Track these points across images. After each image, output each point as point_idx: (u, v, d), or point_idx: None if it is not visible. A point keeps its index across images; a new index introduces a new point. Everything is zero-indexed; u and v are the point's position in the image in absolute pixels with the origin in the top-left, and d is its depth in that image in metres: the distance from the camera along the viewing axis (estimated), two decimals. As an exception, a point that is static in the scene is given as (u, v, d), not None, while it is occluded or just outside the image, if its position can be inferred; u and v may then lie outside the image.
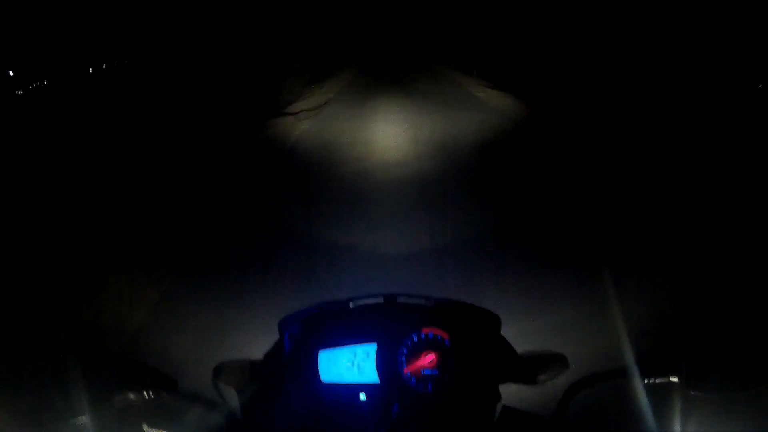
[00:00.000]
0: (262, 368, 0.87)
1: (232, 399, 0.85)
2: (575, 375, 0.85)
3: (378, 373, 0.82)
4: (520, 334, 0.93)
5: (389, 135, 7.25)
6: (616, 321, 1.92)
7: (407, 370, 0.82)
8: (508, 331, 0.89)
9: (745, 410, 0.79)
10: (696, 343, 0.83)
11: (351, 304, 0.87)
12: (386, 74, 16.49)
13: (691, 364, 0.81)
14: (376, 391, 0.82)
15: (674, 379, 0.81)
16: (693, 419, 0.85)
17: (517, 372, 0.86)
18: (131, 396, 0.79)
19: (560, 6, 12.88)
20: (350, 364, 0.83)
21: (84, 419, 0.76)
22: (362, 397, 0.81)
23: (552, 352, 0.91)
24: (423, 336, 0.84)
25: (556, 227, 3.70)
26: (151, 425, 0.81)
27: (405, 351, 0.83)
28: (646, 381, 0.83)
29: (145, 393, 0.79)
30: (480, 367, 0.83)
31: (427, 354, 0.82)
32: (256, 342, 0.93)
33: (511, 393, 0.87)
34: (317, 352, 0.83)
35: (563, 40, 12.02)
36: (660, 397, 0.82)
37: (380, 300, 0.88)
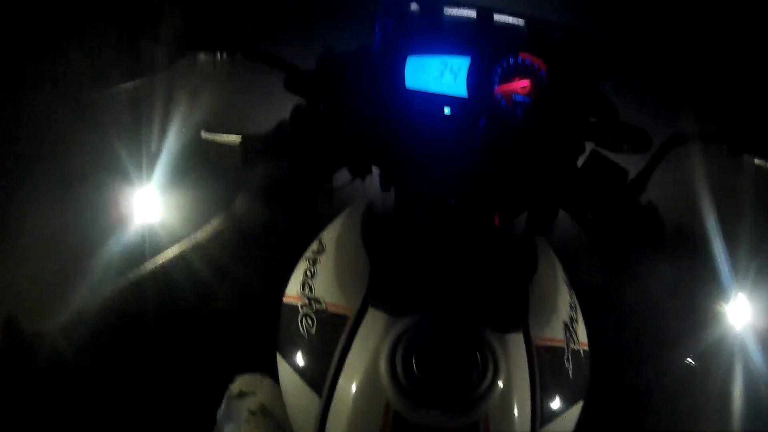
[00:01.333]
0: (348, 61, 0.79)
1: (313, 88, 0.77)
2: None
3: (468, 88, 0.76)
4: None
5: None
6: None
7: (498, 90, 0.76)
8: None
9: None
10: None
11: (445, 11, 0.79)
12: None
13: None
14: (463, 105, 0.76)
15: None
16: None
17: (607, 130, 0.80)
18: (201, 56, 0.71)
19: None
20: (439, 74, 0.76)
21: (141, 79, 0.69)
22: (447, 110, 0.75)
23: (639, 127, 0.85)
24: (520, 60, 0.77)
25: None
26: (209, 128, 0.73)
27: (499, 71, 0.76)
28: (742, 158, 0.77)
29: (218, 53, 0.71)
30: (572, 110, 0.77)
31: (521, 79, 0.76)
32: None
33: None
34: (406, 57, 0.76)
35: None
36: (756, 179, 0.76)
37: (475, 12, 0.80)
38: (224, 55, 0.71)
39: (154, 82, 0.70)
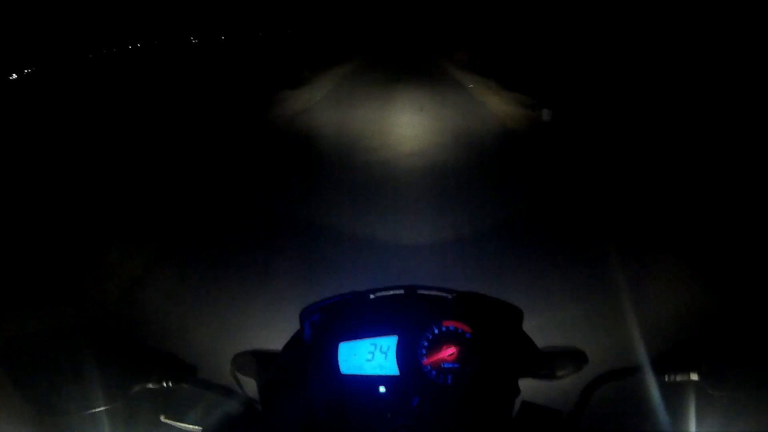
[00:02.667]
0: (281, 359, 0.86)
1: (251, 389, 0.84)
2: (595, 371, 0.85)
3: (398, 366, 0.81)
4: (539, 329, 0.92)
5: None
6: (636, 317, 1.92)
7: (427, 362, 0.81)
8: (527, 326, 0.88)
9: (765, 410, 0.79)
10: (716, 341, 0.82)
11: (372, 296, 0.86)
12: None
13: (711, 362, 0.80)
14: (395, 383, 0.81)
15: (694, 376, 0.81)
16: (711, 417, 0.85)
17: (537, 367, 0.85)
18: (149, 385, 0.78)
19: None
20: (370, 357, 0.82)
21: (100, 409, 0.75)
22: (382, 389, 0.81)
23: (571, 347, 0.90)
24: (444, 329, 0.83)
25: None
26: (169, 415, 0.80)
27: (426, 344, 0.82)
28: (666, 378, 0.82)
29: (163, 382, 0.78)
30: (500, 361, 0.82)
31: (447, 347, 0.82)
32: (276, 333, 0.92)
33: (530, 388, 0.86)
34: (337, 344, 0.82)
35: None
36: (679, 394, 0.82)
37: (401, 291, 0.87)
38: (170, 383, 0.78)
39: (112, 406, 0.76)
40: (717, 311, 2.19)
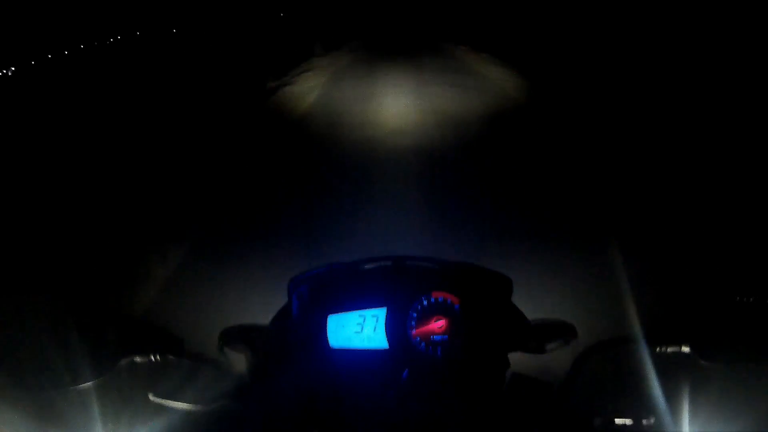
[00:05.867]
0: (269, 332, 0.85)
1: (240, 363, 0.84)
2: (584, 344, 0.84)
3: (387, 339, 0.81)
4: (530, 302, 0.92)
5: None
6: (627, 289, 1.91)
7: (416, 334, 0.81)
8: (517, 298, 0.87)
9: (756, 382, 0.78)
10: (708, 313, 0.82)
11: (360, 267, 0.85)
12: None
13: (702, 333, 0.80)
14: (384, 357, 0.81)
15: (685, 348, 0.81)
16: (703, 389, 0.85)
17: (527, 340, 0.85)
18: (137, 359, 0.77)
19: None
20: (359, 329, 0.82)
21: (87, 383, 0.75)
22: (371, 363, 0.80)
23: (561, 320, 0.90)
24: (433, 300, 0.82)
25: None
26: (157, 389, 0.80)
27: (414, 315, 0.82)
28: (657, 349, 0.82)
29: (151, 356, 0.78)
30: (490, 334, 0.82)
31: (436, 319, 0.81)
32: (264, 304, 0.92)
33: (519, 361, 0.86)
34: (326, 317, 0.82)
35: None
36: (670, 366, 0.82)
37: (389, 263, 0.86)
38: (157, 356, 0.78)
39: (100, 380, 0.75)
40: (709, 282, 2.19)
